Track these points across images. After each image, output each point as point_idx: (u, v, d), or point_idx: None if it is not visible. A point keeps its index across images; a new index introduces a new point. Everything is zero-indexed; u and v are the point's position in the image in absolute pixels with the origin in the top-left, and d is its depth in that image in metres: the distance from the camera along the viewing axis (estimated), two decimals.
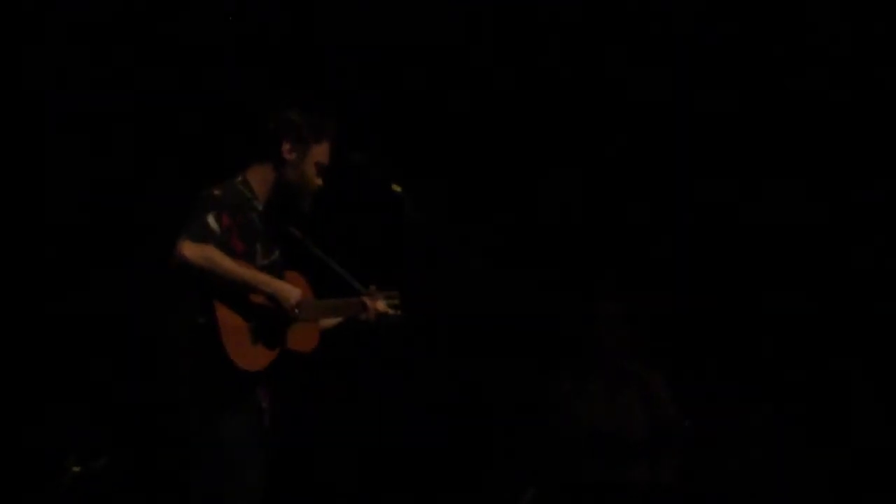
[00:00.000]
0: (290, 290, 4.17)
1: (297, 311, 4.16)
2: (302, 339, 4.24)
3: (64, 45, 5.97)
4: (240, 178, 4.30)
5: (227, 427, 4.10)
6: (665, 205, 6.54)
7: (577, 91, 6.45)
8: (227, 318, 4.09)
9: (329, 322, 4.41)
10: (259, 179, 4.30)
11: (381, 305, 4.40)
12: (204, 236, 4.10)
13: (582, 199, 6.54)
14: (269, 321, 4.16)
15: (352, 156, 4.37)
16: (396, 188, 4.36)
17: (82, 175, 6.04)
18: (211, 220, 4.13)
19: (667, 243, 6.51)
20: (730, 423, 6.17)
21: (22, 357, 5.90)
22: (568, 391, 5.87)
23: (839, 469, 6.17)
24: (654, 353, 5.98)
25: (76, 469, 5.21)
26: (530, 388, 6.04)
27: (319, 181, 4.33)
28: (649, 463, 5.74)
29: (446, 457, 6.30)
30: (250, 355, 4.12)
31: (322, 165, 4.33)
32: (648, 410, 5.79)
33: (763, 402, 6.25)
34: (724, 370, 6.31)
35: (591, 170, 6.53)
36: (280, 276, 4.26)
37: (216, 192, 4.20)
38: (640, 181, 6.53)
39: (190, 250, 4.06)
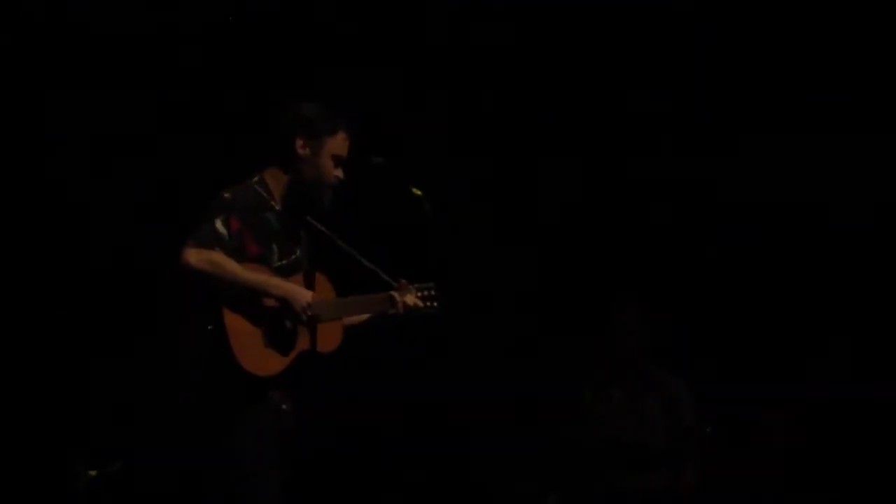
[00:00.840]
0: (300, 292, 4.08)
1: (308, 312, 4.08)
2: (322, 339, 4.14)
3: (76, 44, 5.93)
4: (256, 179, 4.22)
5: (240, 434, 4.04)
6: (684, 208, 6.51)
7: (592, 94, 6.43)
8: (236, 324, 4.02)
9: (355, 319, 4.31)
10: (276, 178, 4.22)
11: (411, 299, 4.27)
12: (210, 241, 4.04)
13: (601, 206, 6.51)
14: (282, 324, 4.10)
15: (372, 159, 4.28)
16: (416, 192, 4.26)
17: (99, 174, 6.00)
18: (219, 224, 4.07)
19: (687, 247, 6.47)
20: (750, 429, 6.11)
21: (35, 362, 5.87)
22: (589, 398, 5.83)
23: (857, 475, 6.12)
24: (675, 358, 5.94)
25: (91, 473, 5.17)
26: (552, 395, 5.99)
27: (339, 173, 4.22)
28: (670, 470, 5.71)
29: (466, 462, 6.27)
30: (263, 360, 4.05)
31: (340, 157, 4.23)
32: (669, 417, 5.76)
33: (782, 408, 6.19)
34: (743, 375, 6.27)
35: (610, 177, 6.50)
36: (303, 277, 4.18)
37: (226, 195, 4.14)
38: (659, 184, 6.50)
39: (194, 256, 4.00)
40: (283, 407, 4.14)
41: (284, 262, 4.18)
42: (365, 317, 4.32)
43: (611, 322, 5.86)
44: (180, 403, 4.15)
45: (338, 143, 4.22)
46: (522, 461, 6.13)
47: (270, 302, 4.08)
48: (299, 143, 4.20)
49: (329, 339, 4.16)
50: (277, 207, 4.21)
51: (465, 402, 6.30)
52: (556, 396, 5.95)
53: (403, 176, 4.28)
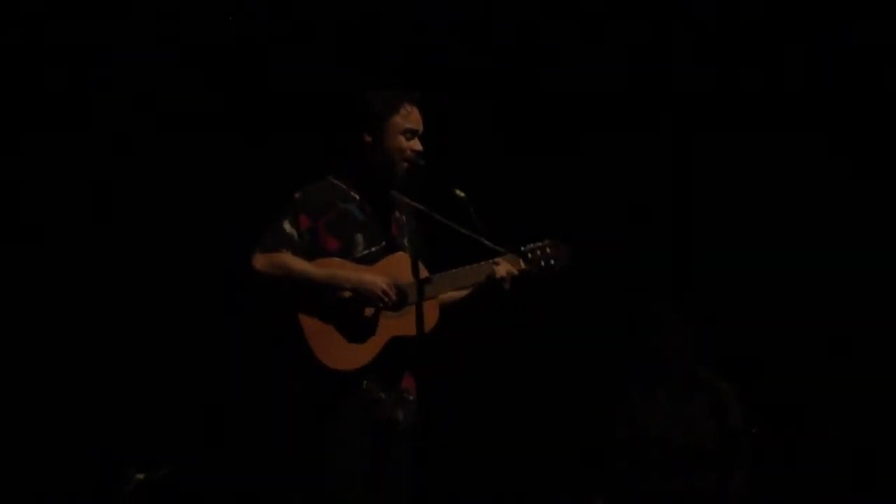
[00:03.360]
0: (374, 280, 4.03)
1: (386, 299, 4.03)
2: (415, 321, 4.04)
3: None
4: (333, 174, 4.24)
5: (330, 431, 4.02)
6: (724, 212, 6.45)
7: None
8: (312, 323, 4.02)
9: (453, 296, 4.21)
10: (352, 169, 4.22)
11: (503, 269, 4.12)
12: (277, 244, 4.06)
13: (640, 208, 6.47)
14: (361, 315, 4.06)
15: (417, 160, 4.23)
16: (460, 193, 4.18)
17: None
18: (287, 225, 4.10)
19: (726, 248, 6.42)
20: (797, 430, 6.05)
21: (94, 363, 5.90)
22: (636, 400, 5.79)
23: None
24: (720, 358, 5.89)
25: (139, 477, 5.19)
26: (598, 398, 5.95)
27: (414, 145, 4.18)
28: (718, 472, 5.66)
29: (513, 468, 6.25)
30: (348, 354, 4.03)
31: (412, 130, 4.19)
32: (716, 418, 5.71)
33: (829, 409, 6.14)
34: (789, 376, 6.22)
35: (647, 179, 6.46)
36: (392, 261, 4.13)
37: (297, 195, 4.17)
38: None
39: (260, 262, 4.04)
40: (382, 396, 4.11)
41: (373, 249, 4.15)
42: (463, 293, 4.22)
43: (651, 320, 5.81)
44: (272, 405, 4.15)
45: (403, 118, 4.19)
46: (569, 463, 6.10)
47: (346, 294, 4.05)
48: (363, 133, 4.20)
49: (424, 319, 4.06)
50: (358, 198, 4.20)
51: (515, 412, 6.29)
52: (602, 398, 5.90)
53: (446, 178, 4.23)
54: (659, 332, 5.79)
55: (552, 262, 4.21)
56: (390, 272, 4.11)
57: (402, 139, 4.19)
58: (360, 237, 4.16)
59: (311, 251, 4.09)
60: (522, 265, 4.18)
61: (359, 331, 4.07)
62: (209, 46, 5.96)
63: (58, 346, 5.87)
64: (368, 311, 4.06)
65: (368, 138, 4.19)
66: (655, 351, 5.81)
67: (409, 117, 4.21)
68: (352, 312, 4.06)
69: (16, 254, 5.82)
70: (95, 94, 5.91)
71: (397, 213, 4.29)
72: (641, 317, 5.86)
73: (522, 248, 4.23)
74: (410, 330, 4.07)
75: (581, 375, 6.30)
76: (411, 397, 4.20)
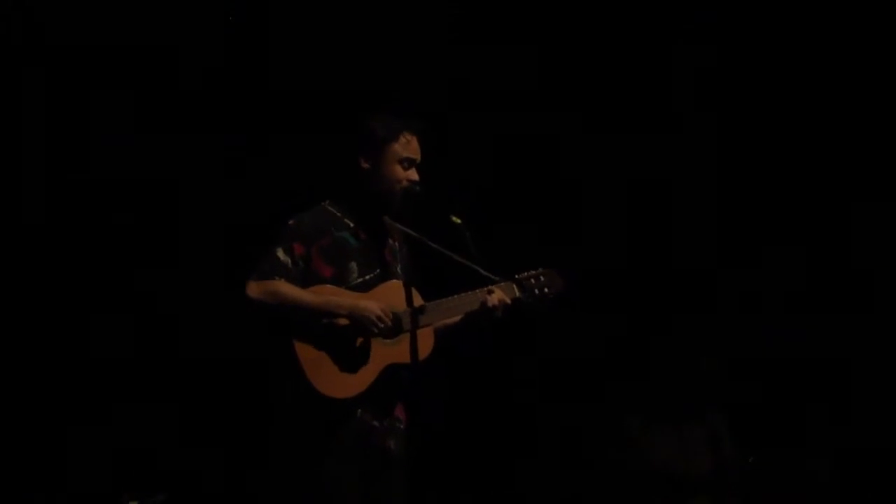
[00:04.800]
0: (368, 307, 4.03)
1: (381, 324, 4.03)
2: (411, 348, 4.04)
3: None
4: (328, 201, 4.24)
5: (323, 459, 4.01)
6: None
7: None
8: (308, 350, 4.02)
9: (448, 321, 4.19)
10: (348, 196, 4.23)
11: (496, 297, 4.12)
12: (270, 271, 4.07)
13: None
14: (354, 342, 4.06)
15: (412, 187, 4.23)
16: (456, 220, 4.19)
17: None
18: (280, 253, 4.10)
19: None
20: (792, 461, 6.05)
21: (89, 393, 5.89)
22: (634, 427, 5.79)
23: None
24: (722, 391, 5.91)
25: None
26: (597, 424, 5.95)
27: (411, 175, 4.19)
28: (712, 501, 5.65)
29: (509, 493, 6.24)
30: (341, 382, 4.02)
31: (409, 159, 4.19)
32: (712, 448, 5.71)
33: (827, 439, 6.14)
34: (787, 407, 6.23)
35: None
36: (385, 288, 4.13)
37: (290, 222, 4.17)
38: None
39: (253, 290, 4.04)
40: (375, 424, 4.10)
41: (367, 277, 4.16)
42: (455, 319, 4.21)
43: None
44: (266, 434, 4.14)
45: (402, 147, 4.20)
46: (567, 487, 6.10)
47: (342, 321, 4.05)
48: (361, 159, 4.21)
49: (419, 347, 4.07)
50: (352, 225, 4.20)
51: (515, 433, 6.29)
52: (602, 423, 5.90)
53: (442, 204, 4.23)
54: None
55: (546, 290, 4.23)
56: (385, 299, 4.11)
57: (399, 168, 4.20)
58: (354, 265, 4.16)
59: (306, 278, 4.10)
60: (516, 293, 4.20)
61: (354, 358, 4.06)
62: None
63: (53, 377, 5.86)
64: (362, 340, 4.05)
65: (366, 164, 4.21)
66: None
67: (409, 146, 4.22)
68: (347, 339, 4.06)
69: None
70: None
71: (391, 241, 4.30)
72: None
73: (517, 276, 4.24)
74: (405, 358, 4.07)
75: (578, 401, 6.29)
76: (402, 426, 4.19)
